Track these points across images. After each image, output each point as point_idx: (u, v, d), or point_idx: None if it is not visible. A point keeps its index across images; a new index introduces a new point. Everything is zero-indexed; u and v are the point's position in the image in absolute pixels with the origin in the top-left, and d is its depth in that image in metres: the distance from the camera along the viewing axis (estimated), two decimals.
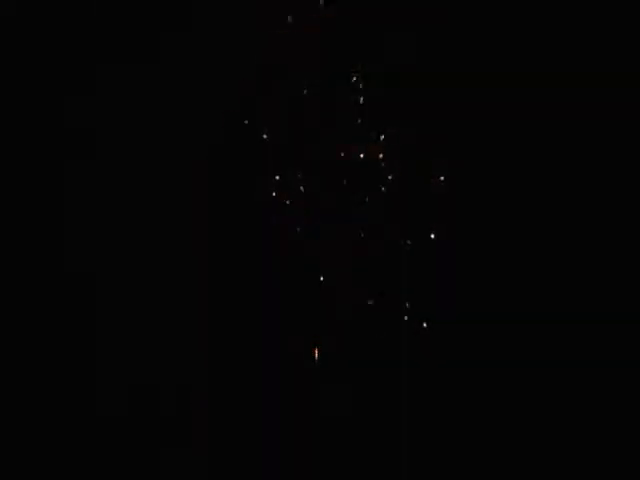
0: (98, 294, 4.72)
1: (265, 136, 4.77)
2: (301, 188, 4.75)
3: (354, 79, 4.76)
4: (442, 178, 4.68)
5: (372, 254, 4.72)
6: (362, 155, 4.74)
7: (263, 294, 4.73)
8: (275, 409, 4.70)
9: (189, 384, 4.70)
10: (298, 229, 4.74)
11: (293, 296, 4.72)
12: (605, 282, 4.62)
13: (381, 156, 4.74)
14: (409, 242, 4.69)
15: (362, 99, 4.76)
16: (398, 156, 4.74)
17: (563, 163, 4.68)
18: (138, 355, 4.70)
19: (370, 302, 4.70)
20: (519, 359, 4.62)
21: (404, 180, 4.73)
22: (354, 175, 4.74)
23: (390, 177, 4.73)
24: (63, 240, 4.74)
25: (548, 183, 4.69)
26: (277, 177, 4.76)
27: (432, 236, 4.60)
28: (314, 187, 4.75)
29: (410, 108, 4.75)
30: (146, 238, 4.75)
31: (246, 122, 4.79)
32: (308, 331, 4.71)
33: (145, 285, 4.73)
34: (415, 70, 4.75)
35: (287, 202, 4.74)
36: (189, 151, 4.78)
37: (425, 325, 4.65)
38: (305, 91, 4.78)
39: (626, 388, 4.57)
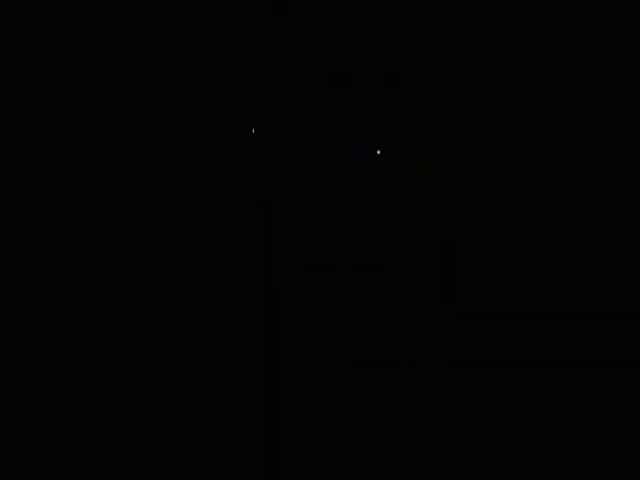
0: (101, 292, 4.71)
1: (265, 136, 4.77)
2: (301, 188, 4.75)
3: (354, 79, 4.76)
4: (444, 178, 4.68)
5: (373, 254, 4.72)
6: (362, 156, 4.74)
7: (263, 294, 4.73)
8: (275, 410, 4.69)
9: (187, 383, 4.70)
10: (298, 228, 4.74)
11: (293, 296, 4.71)
12: (605, 282, 4.61)
13: (381, 156, 4.74)
14: (410, 242, 4.69)
15: (362, 99, 4.76)
16: (398, 156, 4.74)
17: (564, 163, 4.68)
18: (138, 354, 4.69)
19: (371, 302, 4.69)
20: (520, 359, 4.61)
21: (404, 180, 4.73)
22: (355, 175, 4.74)
23: (391, 177, 4.73)
24: (61, 240, 4.75)
25: (549, 183, 4.68)
26: (277, 177, 4.76)
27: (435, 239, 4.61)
28: (314, 187, 4.75)
29: (410, 108, 4.75)
30: (146, 237, 4.75)
31: (245, 122, 4.79)
32: (308, 331, 4.71)
33: (145, 284, 4.72)
34: (415, 70, 4.75)
35: (286, 202, 4.74)
36: (189, 150, 4.77)
37: (426, 326, 4.65)
38: (305, 91, 4.77)
39: (626, 388, 4.56)
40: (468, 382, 4.62)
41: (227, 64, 4.78)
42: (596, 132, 4.66)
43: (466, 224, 4.68)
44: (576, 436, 4.57)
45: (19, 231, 4.73)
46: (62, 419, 4.67)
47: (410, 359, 4.65)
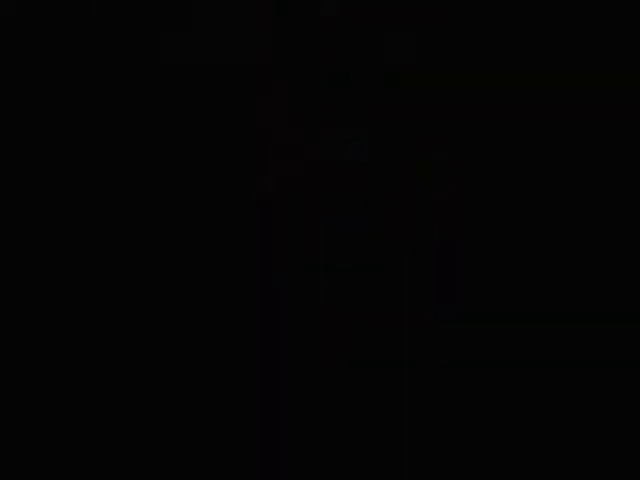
0: (100, 292, 4.71)
1: (265, 136, 4.77)
2: (301, 187, 4.75)
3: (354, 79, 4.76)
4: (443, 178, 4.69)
5: (373, 254, 4.72)
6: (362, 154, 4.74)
7: (263, 294, 4.72)
8: (275, 410, 4.69)
9: (187, 383, 4.70)
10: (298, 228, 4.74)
11: (293, 296, 4.71)
12: (605, 282, 4.61)
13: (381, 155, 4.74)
14: (410, 242, 4.69)
15: (362, 99, 4.76)
16: (398, 156, 4.74)
17: (564, 163, 4.68)
18: (137, 354, 4.69)
19: (371, 302, 4.69)
20: (520, 359, 4.61)
21: (404, 180, 4.73)
22: (355, 175, 4.74)
23: (391, 177, 4.73)
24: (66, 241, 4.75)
25: (549, 183, 4.68)
26: (277, 177, 4.76)
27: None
28: (314, 187, 4.75)
29: (410, 108, 4.75)
30: (145, 237, 4.75)
31: (245, 122, 4.79)
32: (308, 331, 4.71)
33: (144, 284, 4.72)
34: (415, 70, 4.75)
35: (286, 202, 4.74)
36: (188, 150, 4.78)
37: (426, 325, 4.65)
38: (305, 91, 4.78)
39: (626, 388, 4.56)
40: (468, 382, 4.62)
41: (227, 64, 4.78)
42: (596, 132, 4.66)
43: (466, 224, 4.68)
44: (576, 436, 4.57)
45: (20, 232, 4.73)
46: (60, 419, 4.67)
47: (410, 359, 4.65)
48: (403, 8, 4.76)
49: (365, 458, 4.64)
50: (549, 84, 4.67)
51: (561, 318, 4.59)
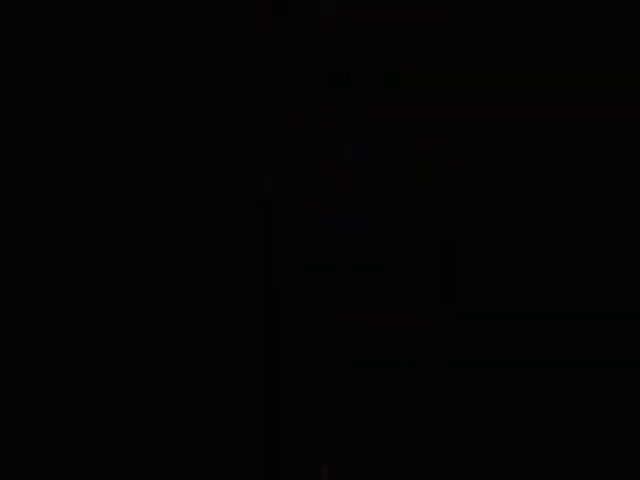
0: (100, 292, 4.71)
1: (265, 136, 4.77)
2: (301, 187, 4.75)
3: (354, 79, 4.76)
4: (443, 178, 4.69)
5: (373, 254, 4.72)
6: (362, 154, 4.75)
7: (263, 294, 4.73)
8: (275, 410, 4.69)
9: (187, 382, 4.70)
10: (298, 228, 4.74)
11: (293, 296, 4.71)
12: (605, 282, 4.61)
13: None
14: (410, 242, 4.69)
15: (362, 99, 4.76)
16: (398, 156, 4.74)
17: (564, 163, 4.68)
18: (138, 354, 4.69)
19: (371, 302, 4.70)
20: (520, 359, 4.61)
21: (404, 180, 4.73)
22: (355, 175, 4.74)
23: (391, 177, 4.73)
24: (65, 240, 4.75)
25: (549, 183, 4.69)
26: (277, 177, 4.76)
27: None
28: (314, 187, 4.75)
29: (410, 108, 4.75)
30: (146, 237, 4.75)
31: (245, 122, 4.79)
32: (308, 331, 4.71)
33: (145, 283, 4.72)
34: (415, 70, 4.75)
35: (286, 202, 4.74)
36: (189, 150, 4.78)
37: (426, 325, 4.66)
38: (305, 91, 4.78)
39: (626, 388, 4.56)
40: (468, 382, 4.62)
41: (227, 64, 4.78)
42: (596, 132, 4.66)
43: (466, 224, 4.68)
44: (576, 435, 4.57)
45: (21, 233, 4.73)
46: (61, 418, 4.67)
47: (410, 359, 4.65)
48: (403, 8, 4.76)
49: (365, 458, 4.64)
50: (549, 84, 4.68)
51: (561, 318, 4.59)
